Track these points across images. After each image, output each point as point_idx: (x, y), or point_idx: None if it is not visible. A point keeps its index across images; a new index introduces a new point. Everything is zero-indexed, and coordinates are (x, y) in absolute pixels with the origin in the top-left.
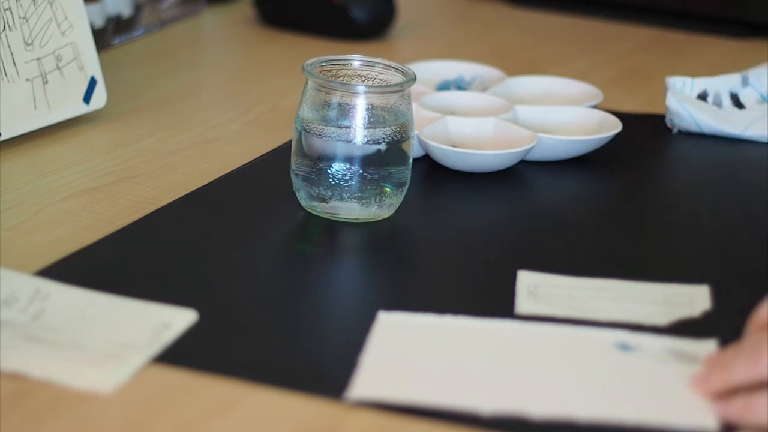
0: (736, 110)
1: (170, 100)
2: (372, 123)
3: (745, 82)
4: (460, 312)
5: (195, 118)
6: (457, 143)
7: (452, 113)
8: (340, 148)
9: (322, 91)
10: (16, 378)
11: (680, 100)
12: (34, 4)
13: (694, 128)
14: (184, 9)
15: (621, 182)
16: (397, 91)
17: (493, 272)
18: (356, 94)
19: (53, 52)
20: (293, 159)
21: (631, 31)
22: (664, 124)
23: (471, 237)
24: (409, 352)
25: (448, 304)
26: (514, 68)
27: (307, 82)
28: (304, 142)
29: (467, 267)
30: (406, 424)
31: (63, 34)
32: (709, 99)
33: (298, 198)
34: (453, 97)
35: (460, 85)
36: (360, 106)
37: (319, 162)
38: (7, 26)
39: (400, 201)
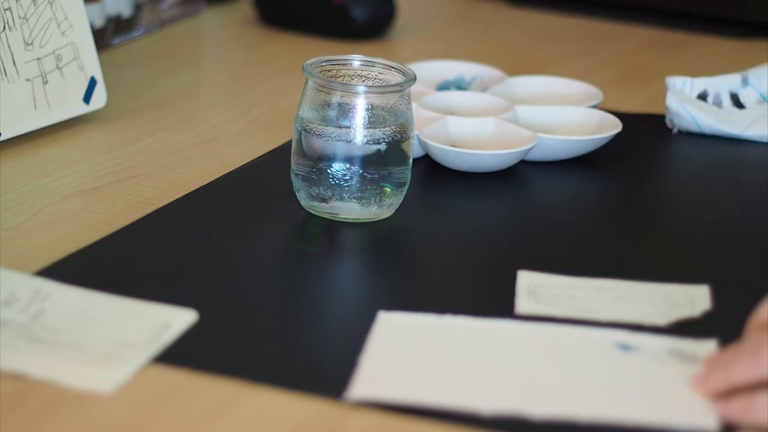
0: (736, 110)
1: (170, 100)
2: (372, 123)
3: (745, 82)
4: (460, 312)
5: (195, 118)
6: (457, 143)
7: (452, 113)
8: (340, 148)
9: (322, 91)
10: (16, 378)
11: (680, 100)
12: (34, 4)
13: (694, 128)
14: (184, 9)
15: (621, 182)
16: (397, 91)
17: (493, 272)
18: (356, 94)
19: (53, 52)
20: (293, 159)
21: (631, 31)
22: (664, 124)
23: (471, 237)
24: (409, 352)
25: (448, 304)
26: (514, 68)
27: (307, 82)
28: (304, 142)
29: (467, 267)
30: (406, 424)
31: (63, 34)
32: (709, 99)
33: (298, 198)
34: (453, 97)
35: (460, 85)
36: (360, 106)
37: (319, 162)
38: (7, 26)
39: (400, 201)
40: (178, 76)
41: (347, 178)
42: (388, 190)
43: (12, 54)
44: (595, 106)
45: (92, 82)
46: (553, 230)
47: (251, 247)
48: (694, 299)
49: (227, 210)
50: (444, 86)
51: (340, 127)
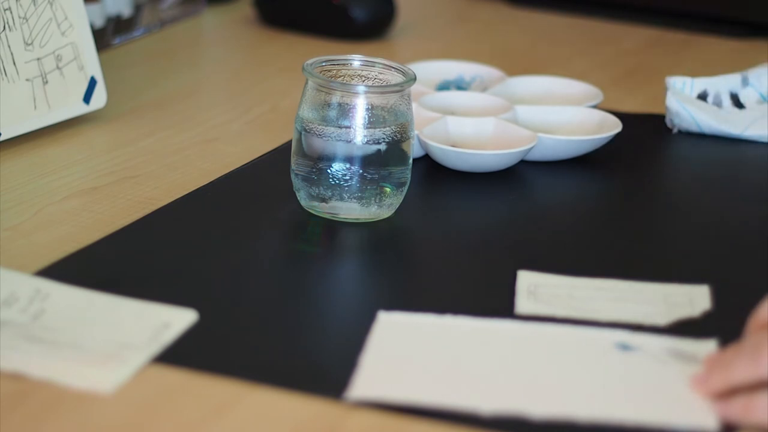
0: (736, 110)
1: (170, 100)
2: (372, 123)
3: (745, 82)
4: (460, 312)
5: (195, 118)
6: (457, 143)
7: (452, 113)
8: (340, 148)
9: (322, 91)
10: (16, 378)
11: (680, 100)
12: (34, 4)
13: (694, 128)
14: (184, 9)
15: (621, 182)
16: (397, 91)
17: (493, 272)
18: (356, 94)
19: (53, 52)
20: (293, 159)
21: (631, 31)
22: (664, 124)
23: (471, 237)
24: (409, 352)
25: (448, 304)
26: (514, 68)
27: (307, 82)
28: (304, 142)
29: (467, 267)
30: (406, 424)
31: (63, 34)
32: (709, 99)
33: (298, 198)
34: (453, 97)
35: (460, 85)
36: (360, 106)
37: (319, 162)
38: (7, 26)
39: (400, 201)
40: (178, 76)
41: (347, 178)
42: (388, 190)
43: (12, 54)
44: (595, 106)
45: (92, 82)
46: (553, 230)
47: (251, 247)
48: (694, 299)
49: (227, 210)
50: (444, 86)
51: (340, 127)
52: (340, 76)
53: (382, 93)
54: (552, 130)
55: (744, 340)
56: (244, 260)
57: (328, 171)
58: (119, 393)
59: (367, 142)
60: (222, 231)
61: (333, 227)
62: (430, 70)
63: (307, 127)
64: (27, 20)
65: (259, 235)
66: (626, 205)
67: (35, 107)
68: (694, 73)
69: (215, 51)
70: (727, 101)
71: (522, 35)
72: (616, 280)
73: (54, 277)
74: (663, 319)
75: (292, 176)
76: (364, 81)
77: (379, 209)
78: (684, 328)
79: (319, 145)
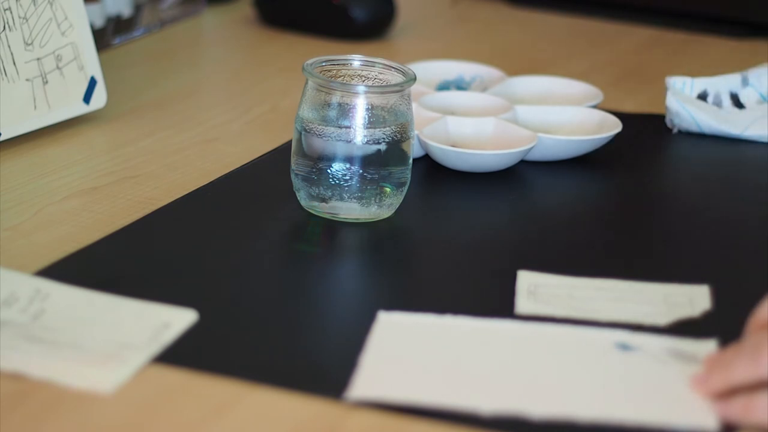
0: (736, 110)
1: (170, 100)
2: (372, 123)
3: (745, 82)
4: (460, 312)
5: (195, 118)
6: (457, 143)
7: (452, 113)
8: (340, 148)
9: (322, 91)
10: (16, 378)
11: (680, 100)
12: (34, 4)
13: (694, 128)
14: (184, 9)
15: (621, 182)
16: (397, 91)
17: (493, 272)
18: (356, 94)
19: (53, 52)
20: (293, 159)
21: (631, 31)
22: (664, 124)
23: (471, 237)
24: (409, 352)
25: (448, 304)
26: (514, 68)
27: (307, 82)
28: (304, 142)
29: (467, 267)
30: (406, 424)
31: (63, 34)
32: (709, 99)
33: (298, 198)
34: (453, 97)
35: (460, 85)
36: (360, 106)
37: (319, 162)
38: (7, 26)
39: (400, 201)
40: (178, 76)
41: (347, 178)
42: (388, 190)
43: (12, 54)
44: (595, 106)
45: (92, 82)
46: (553, 230)
47: (251, 247)
48: (694, 299)
49: (227, 210)
50: (444, 86)
51: (340, 127)
52: (340, 76)
53: (382, 93)
54: (552, 130)
55: (744, 340)
56: (244, 260)
57: (328, 171)
58: (119, 393)
59: (367, 142)
60: (222, 231)
61: (333, 227)
62: (430, 70)
63: (307, 127)
64: (27, 20)
65: (259, 235)
66: (626, 205)
67: (35, 107)
68: (694, 73)
69: (215, 51)
70: (727, 101)
71: (522, 35)
72: (616, 280)
73: (54, 277)
74: (663, 319)
75: (292, 176)
76: (364, 81)
77: (379, 209)
78: (684, 328)
79: (319, 145)
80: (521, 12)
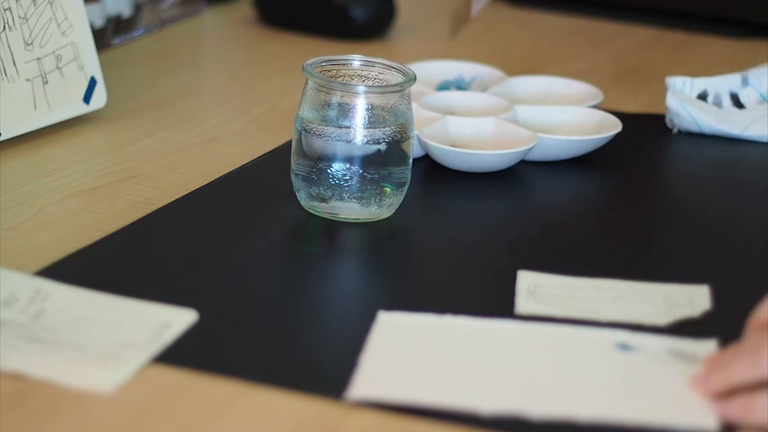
0: (736, 110)
1: (170, 100)
2: (372, 123)
3: (745, 82)
4: (460, 312)
5: (195, 118)
6: (457, 143)
7: (452, 113)
8: (340, 148)
9: (322, 91)
10: (16, 378)
11: (680, 100)
12: (34, 4)
13: (694, 128)
14: (184, 9)
15: (621, 182)
16: (397, 91)
17: (493, 272)
18: (356, 94)
19: (53, 52)
20: (293, 159)
21: (631, 31)
22: (664, 124)
23: (471, 237)
24: (409, 352)
25: (448, 304)
26: (514, 68)
27: (307, 82)
28: (304, 142)
29: (467, 267)
30: (406, 424)
31: (63, 34)
32: (709, 99)
33: (298, 198)
34: (453, 97)
35: (460, 85)
36: (360, 106)
37: (319, 162)
38: (7, 26)
39: (400, 201)
40: (178, 76)
41: (347, 178)
42: (388, 190)
43: (12, 54)
44: (595, 106)
45: (92, 82)
46: (553, 230)
47: (251, 247)
48: (694, 299)
49: (227, 210)
50: (444, 86)
51: (340, 127)
52: (340, 76)
53: (382, 93)
54: (552, 130)
55: (744, 340)
56: (244, 260)
57: (328, 171)
58: (119, 393)
59: (367, 142)
60: (222, 231)
61: (333, 227)
62: (430, 70)
63: (307, 127)
64: (27, 20)
65: (259, 235)
66: (626, 205)
67: (35, 107)
68: (694, 73)
69: (215, 51)
70: (727, 101)
71: (522, 35)
72: (616, 280)
73: (54, 277)
74: (663, 319)
75: (292, 176)
76: (364, 81)
77: (379, 209)
78: (684, 328)
79: (319, 145)
80: (521, 12)
